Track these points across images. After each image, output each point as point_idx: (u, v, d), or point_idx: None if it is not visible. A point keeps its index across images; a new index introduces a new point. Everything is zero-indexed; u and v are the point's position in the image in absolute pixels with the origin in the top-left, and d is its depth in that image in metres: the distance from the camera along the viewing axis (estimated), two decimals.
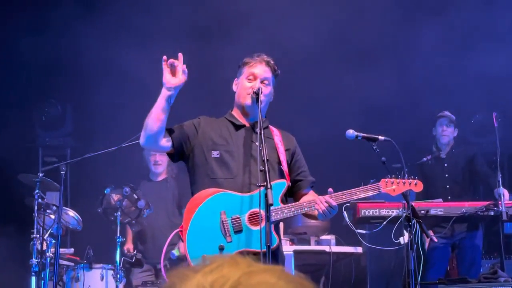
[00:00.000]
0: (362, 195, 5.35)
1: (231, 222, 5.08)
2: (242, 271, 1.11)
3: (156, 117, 5.11)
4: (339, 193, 5.21)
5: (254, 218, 5.04)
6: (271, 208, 4.92)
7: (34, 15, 10.45)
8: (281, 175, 5.31)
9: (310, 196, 5.37)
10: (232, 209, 5.10)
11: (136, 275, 8.82)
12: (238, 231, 5.07)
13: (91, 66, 10.33)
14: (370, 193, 5.42)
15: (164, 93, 5.12)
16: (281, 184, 5.22)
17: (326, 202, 5.08)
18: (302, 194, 5.43)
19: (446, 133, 8.95)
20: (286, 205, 5.18)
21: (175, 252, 8.85)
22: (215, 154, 5.26)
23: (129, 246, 8.90)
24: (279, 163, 5.33)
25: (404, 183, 5.56)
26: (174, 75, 5.11)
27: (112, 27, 10.18)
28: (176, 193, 8.89)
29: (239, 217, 5.08)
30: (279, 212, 5.11)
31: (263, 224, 4.83)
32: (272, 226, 5.03)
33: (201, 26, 10.51)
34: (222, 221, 5.08)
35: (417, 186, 5.65)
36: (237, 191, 5.13)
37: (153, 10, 10.65)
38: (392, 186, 5.48)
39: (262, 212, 4.90)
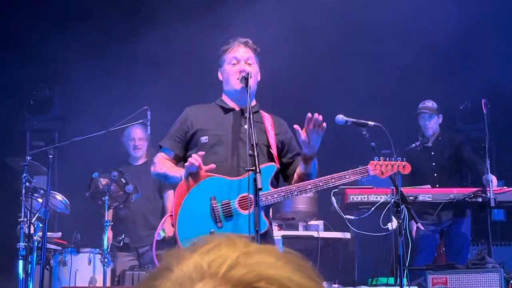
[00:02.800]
0: (352, 178, 5.34)
1: (221, 207, 5.08)
2: (240, 251, 1.10)
3: (172, 180, 5.33)
4: (328, 176, 5.22)
5: (244, 203, 5.05)
6: (261, 192, 4.93)
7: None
8: (270, 158, 5.31)
9: (299, 168, 5.35)
10: (222, 194, 5.10)
11: (121, 259, 8.80)
12: (228, 216, 5.08)
13: (80, 49, 10.28)
14: (359, 176, 5.43)
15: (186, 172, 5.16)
16: (271, 168, 5.21)
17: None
18: (293, 175, 5.44)
19: (429, 126, 8.95)
20: (276, 189, 5.18)
21: (161, 232, 8.82)
22: (203, 139, 5.30)
23: (109, 233, 8.86)
24: (269, 146, 5.33)
25: (392, 166, 5.55)
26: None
27: (101, 12, 10.13)
28: None
29: (229, 202, 5.09)
30: (269, 197, 5.11)
31: (252, 209, 4.84)
32: (263, 210, 5.03)
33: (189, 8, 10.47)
34: (213, 206, 5.08)
35: (405, 168, 5.64)
36: (226, 175, 5.14)
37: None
38: (380, 168, 5.48)
39: (251, 197, 4.90)
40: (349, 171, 5.30)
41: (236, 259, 1.08)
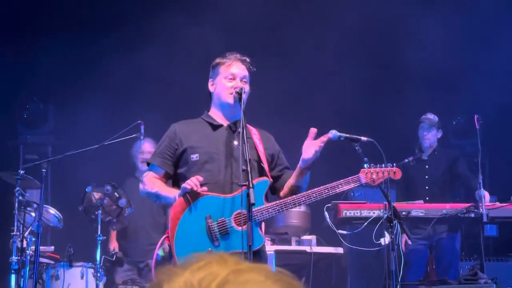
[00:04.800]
0: (345, 188, 5.35)
1: (217, 226, 5.08)
2: (230, 268, 1.10)
3: (165, 201, 5.31)
4: (321, 187, 5.22)
5: (239, 219, 5.04)
6: (257, 207, 4.95)
7: (17, 11, 10.42)
8: (261, 173, 5.31)
9: (291, 180, 5.37)
10: (217, 212, 5.09)
11: (119, 274, 8.80)
12: (225, 234, 5.07)
13: (74, 64, 10.31)
14: (352, 185, 5.41)
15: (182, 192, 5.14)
16: (264, 183, 5.22)
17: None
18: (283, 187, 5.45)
19: (427, 137, 8.97)
20: (271, 204, 5.18)
21: (160, 252, 8.83)
22: (194, 157, 5.28)
23: (114, 244, 8.89)
24: (260, 161, 5.34)
25: (383, 172, 5.55)
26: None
27: (95, 27, 10.15)
28: None
29: (224, 220, 5.08)
30: (264, 212, 5.11)
31: (248, 225, 4.84)
32: (258, 226, 5.05)
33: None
34: (209, 225, 5.08)
35: (396, 174, 5.63)
36: (219, 192, 5.13)
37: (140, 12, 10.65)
38: (372, 175, 5.48)
39: (246, 213, 4.92)
40: (341, 180, 5.29)
41: (226, 277, 1.08)
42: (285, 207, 5.19)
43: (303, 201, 5.21)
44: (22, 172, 7.70)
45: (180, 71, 10.02)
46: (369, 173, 5.46)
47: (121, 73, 10.40)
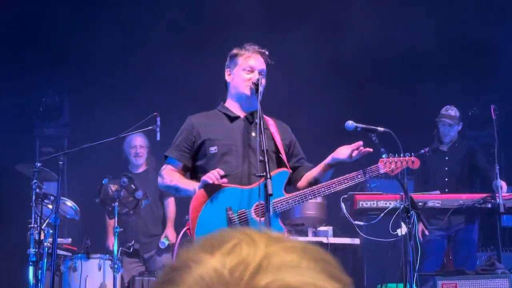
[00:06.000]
0: (364, 178, 5.38)
1: (238, 217, 5.09)
2: (262, 253, 1.06)
3: (184, 193, 5.29)
4: (340, 177, 5.24)
5: (260, 211, 5.05)
6: (277, 199, 4.96)
7: (33, 6, 10.45)
8: (280, 164, 5.32)
9: (313, 173, 5.38)
10: (237, 203, 5.11)
11: (127, 266, 8.80)
12: (245, 225, 5.07)
13: (89, 56, 10.33)
14: (371, 175, 5.45)
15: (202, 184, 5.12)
16: (284, 174, 5.24)
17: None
18: (301, 179, 5.45)
19: (449, 134, 8.89)
20: (290, 195, 5.20)
21: (164, 240, 8.86)
22: (213, 149, 5.28)
23: (112, 240, 8.85)
24: (278, 152, 5.34)
25: (402, 162, 5.57)
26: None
27: (111, 20, 10.16)
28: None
29: (245, 212, 5.10)
30: (284, 203, 5.14)
31: (266, 215, 4.85)
32: (279, 217, 5.06)
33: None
34: (229, 217, 5.08)
35: (414, 163, 5.66)
36: (238, 184, 5.14)
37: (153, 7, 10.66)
38: (390, 165, 5.50)
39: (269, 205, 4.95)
40: (360, 171, 5.33)
41: (259, 264, 1.04)
42: (305, 198, 5.20)
43: (322, 191, 5.23)
44: (39, 164, 7.72)
45: (195, 65, 10.02)
46: (388, 163, 5.48)
47: (138, 65, 10.41)
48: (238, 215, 5.08)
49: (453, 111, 8.86)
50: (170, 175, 5.32)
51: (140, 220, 8.78)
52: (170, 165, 5.40)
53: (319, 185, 5.24)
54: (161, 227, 9.04)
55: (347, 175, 5.28)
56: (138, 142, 8.97)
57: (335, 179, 5.24)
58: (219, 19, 10.45)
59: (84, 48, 10.26)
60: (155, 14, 10.53)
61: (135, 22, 10.42)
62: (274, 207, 5.03)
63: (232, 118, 5.42)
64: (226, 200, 5.10)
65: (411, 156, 5.66)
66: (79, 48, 10.26)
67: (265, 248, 1.07)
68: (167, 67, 10.28)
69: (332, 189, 5.24)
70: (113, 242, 8.36)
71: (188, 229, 5.13)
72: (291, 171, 5.34)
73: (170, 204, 8.95)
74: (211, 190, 5.08)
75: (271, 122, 5.49)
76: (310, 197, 5.23)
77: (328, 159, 5.29)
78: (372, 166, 5.43)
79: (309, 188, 5.24)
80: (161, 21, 10.41)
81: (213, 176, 4.98)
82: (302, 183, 5.41)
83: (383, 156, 5.52)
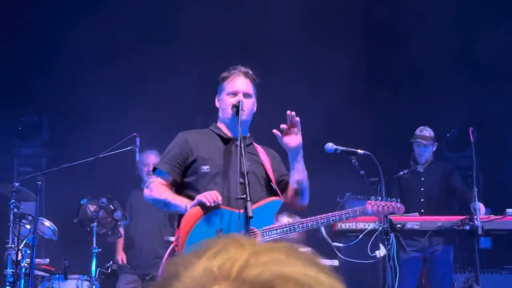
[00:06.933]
0: (352, 216, 5.53)
1: None
2: (249, 251, 1.06)
3: (174, 209, 5.29)
4: (329, 214, 5.34)
5: (251, 235, 5.04)
6: (266, 227, 5.00)
7: (13, 23, 10.43)
8: (272, 192, 5.33)
9: (292, 179, 5.42)
10: (228, 226, 5.09)
11: (122, 286, 8.77)
12: None
13: (69, 75, 10.30)
14: (359, 215, 5.65)
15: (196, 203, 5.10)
16: (276, 203, 5.29)
17: None
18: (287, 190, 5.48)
19: (424, 155, 8.91)
20: (279, 225, 5.24)
21: None
22: (205, 168, 5.26)
23: (122, 256, 8.84)
24: (269, 179, 5.35)
25: (388, 207, 5.72)
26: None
27: (90, 39, 10.15)
28: None
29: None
30: (273, 231, 5.16)
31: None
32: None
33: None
34: None
35: (399, 209, 5.83)
36: (228, 206, 5.12)
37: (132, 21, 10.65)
38: (378, 208, 5.66)
39: (257, 231, 4.97)
40: (349, 210, 5.52)
41: (247, 260, 1.05)
42: (293, 229, 5.25)
43: (311, 225, 5.28)
44: (17, 184, 7.69)
45: (176, 84, 10.02)
46: (376, 206, 5.65)
47: (116, 84, 10.40)
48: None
49: (427, 131, 8.87)
50: (160, 189, 5.28)
51: (147, 240, 8.75)
52: (160, 177, 5.36)
53: (308, 219, 5.33)
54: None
55: (335, 212, 5.40)
56: (152, 160, 8.85)
57: (323, 215, 5.31)
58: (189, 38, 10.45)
59: (64, 67, 10.23)
60: (135, 32, 10.53)
61: (114, 41, 10.40)
62: (264, 233, 5.08)
63: (226, 140, 5.40)
64: (218, 221, 5.08)
65: (397, 201, 5.83)
66: (59, 67, 10.23)
67: (251, 248, 1.08)
68: (147, 87, 10.27)
69: (320, 224, 5.34)
70: (122, 257, 8.39)
71: (176, 245, 5.11)
72: (283, 199, 5.36)
73: None
74: (206, 209, 5.04)
75: (260, 150, 5.50)
76: (299, 229, 5.28)
77: (290, 156, 5.32)
78: (361, 207, 5.66)
79: (299, 220, 5.32)
80: (140, 39, 10.42)
81: (210, 198, 4.96)
82: (289, 193, 5.43)
83: (371, 198, 5.69)
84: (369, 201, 5.67)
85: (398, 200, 5.88)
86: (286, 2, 10.09)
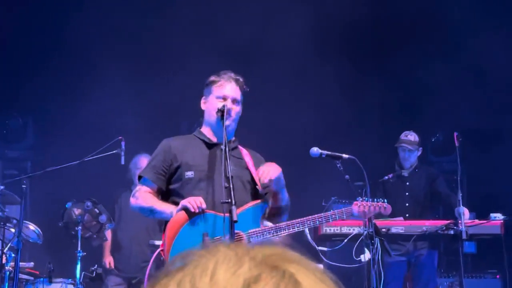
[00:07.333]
0: (337, 218, 5.53)
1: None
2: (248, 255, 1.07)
3: (160, 216, 5.30)
4: (316, 216, 5.33)
5: (236, 239, 5.04)
6: (252, 230, 5.00)
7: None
8: (257, 196, 5.33)
9: (272, 203, 5.42)
10: (214, 230, 5.09)
11: (111, 283, 8.76)
12: None
13: (54, 78, 10.27)
14: (345, 217, 5.59)
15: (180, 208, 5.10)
16: (261, 206, 5.27)
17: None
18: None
19: (408, 159, 8.91)
20: (266, 228, 5.24)
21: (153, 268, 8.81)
22: (189, 174, 5.26)
23: (109, 259, 8.82)
24: (254, 183, 5.35)
25: (374, 207, 5.69)
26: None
27: (75, 42, 10.14)
28: None
29: (221, 238, 5.09)
30: (259, 234, 5.16)
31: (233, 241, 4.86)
32: None
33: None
34: (206, 243, 5.07)
35: (386, 209, 5.80)
36: (213, 210, 5.12)
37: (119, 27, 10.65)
38: (364, 209, 5.62)
39: (243, 234, 4.96)
40: (336, 211, 5.49)
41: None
42: (279, 231, 5.24)
43: (297, 227, 5.28)
44: (2, 187, 7.67)
45: (163, 86, 10.02)
46: (362, 207, 5.62)
47: (103, 87, 10.38)
48: (214, 241, 5.08)
49: (412, 136, 8.88)
50: (145, 197, 5.29)
51: (136, 243, 8.75)
52: (145, 186, 5.37)
53: (294, 221, 5.32)
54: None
55: (322, 214, 5.39)
56: (143, 164, 8.84)
57: (310, 217, 5.31)
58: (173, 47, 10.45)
59: (49, 70, 10.20)
60: (121, 36, 10.51)
61: (99, 44, 10.38)
62: (249, 237, 5.08)
63: (210, 145, 5.40)
64: (203, 225, 5.09)
65: (383, 202, 5.79)
66: (44, 70, 10.20)
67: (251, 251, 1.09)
68: (132, 91, 10.26)
69: (306, 226, 5.34)
70: (110, 261, 8.38)
71: (162, 250, 5.11)
72: (268, 203, 5.37)
73: None
74: (191, 214, 5.05)
75: (245, 153, 5.50)
76: (285, 231, 5.27)
77: (271, 186, 5.31)
78: (347, 208, 5.62)
79: (285, 223, 5.32)
80: (127, 43, 10.41)
81: (195, 204, 4.97)
82: (270, 211, 5.43)
83: (358, 199, 5.66)
84: (355, 202, 5.65)
85: (385, 200, 5.86)
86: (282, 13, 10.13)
